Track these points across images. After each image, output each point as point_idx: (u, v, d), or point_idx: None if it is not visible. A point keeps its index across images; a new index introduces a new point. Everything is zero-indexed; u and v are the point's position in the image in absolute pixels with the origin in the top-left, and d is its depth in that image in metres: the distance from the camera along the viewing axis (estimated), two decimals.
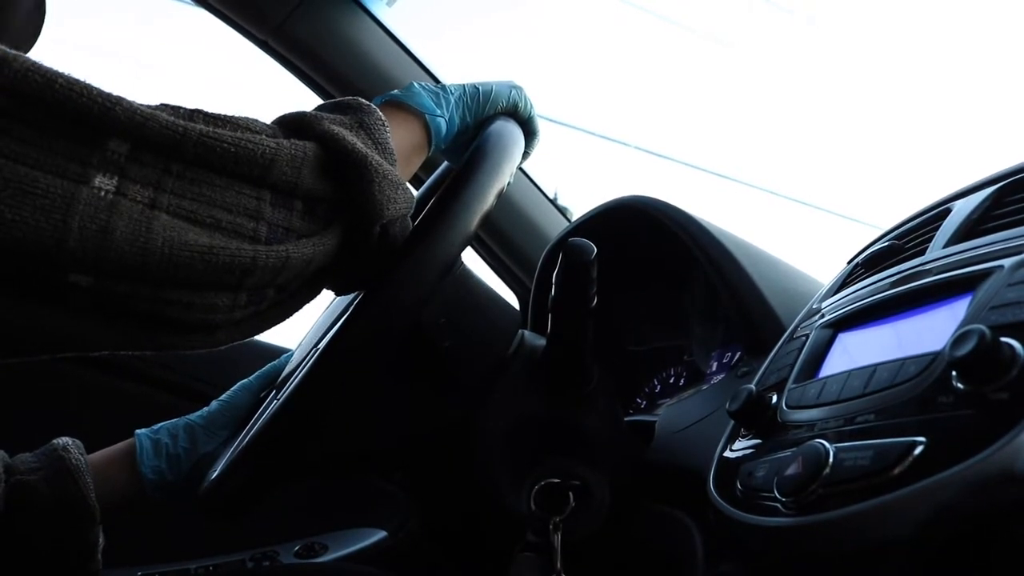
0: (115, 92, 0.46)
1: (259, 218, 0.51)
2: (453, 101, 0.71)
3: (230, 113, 0.53)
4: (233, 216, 0.50)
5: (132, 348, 0.51)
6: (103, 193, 0.45)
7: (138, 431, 0.82)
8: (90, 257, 0.44)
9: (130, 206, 0.45)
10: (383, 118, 0.61)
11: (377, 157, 0.57)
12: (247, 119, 0.53)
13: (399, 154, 0.62)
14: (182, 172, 0.48)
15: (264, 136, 0.52)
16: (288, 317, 0.59)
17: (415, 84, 0.70)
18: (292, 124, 0.56)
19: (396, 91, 0.70)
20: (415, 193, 0.64)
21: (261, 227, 0.51)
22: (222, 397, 0.86)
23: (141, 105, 0.47)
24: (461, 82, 0.74)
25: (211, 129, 0.49)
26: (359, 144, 0.56)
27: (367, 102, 0.62)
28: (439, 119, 0.69)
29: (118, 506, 0.77)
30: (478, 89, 0.73)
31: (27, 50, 0.62)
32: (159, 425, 0.83)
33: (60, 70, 0.44)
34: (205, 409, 0.85)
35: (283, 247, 0.51)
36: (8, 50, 0.43)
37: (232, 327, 0.54)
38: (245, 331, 0.55)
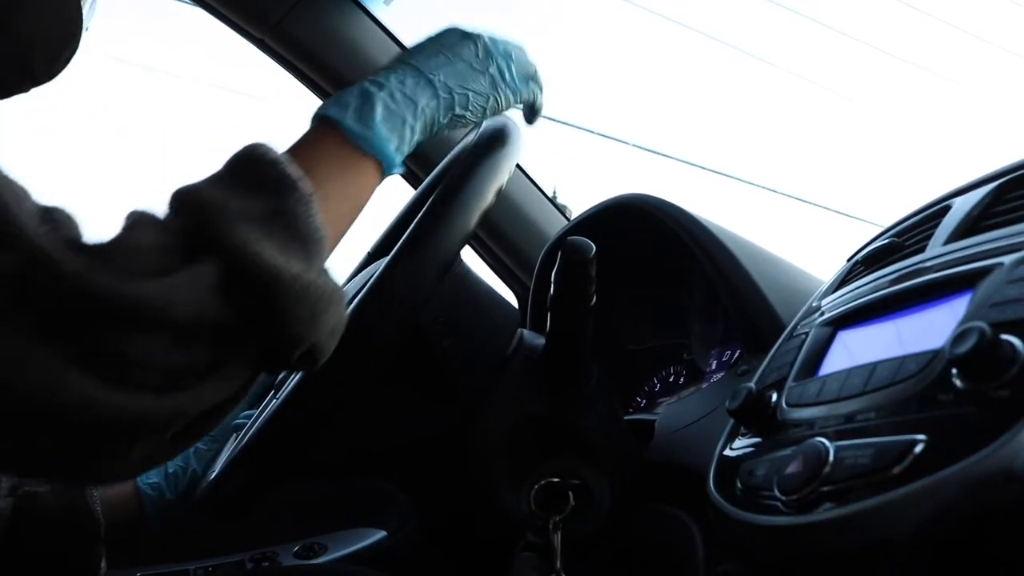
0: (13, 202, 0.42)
1: (149, 366, 0.44)
2: (420, 126, 0.60)
3: (120, 231, 0.46)
4: (123, 365, 0.43)
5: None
6: None
7: None
8: None
9: (11, 346, 0.41)
10: (308, 195, 0.50)
11: (294, 269, 0.47)
12: (138, 239, 0.46)
13: (346, 206, 0.55)
14: (68, 314, 0.43)
15: (156, 279, 0.44)
16: (204, 436, 0.51)
17: (377, 112, 0.57)
18: (192, 228, 0.47)
19: (350, 120, 0.56)
20: (415, 191, 0.62)
21: (152, 376, 0.44)
22: None
23: (38, 230, 0.42)
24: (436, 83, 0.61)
25: (98, 264, 0.43)
26: (268, 258, 0.46)
27: (290, 173, 0.50)
28: (398, 157, 0.59)
29: (119, 525, 0.77)
30: (454, 100, 0.61)
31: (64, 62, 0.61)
32: None
33: None
34: None
35: (180, 395, 0.45)
36: None
37: (133, 465, 0.48)
38: (148, 466, 0.50)
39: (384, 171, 0.58)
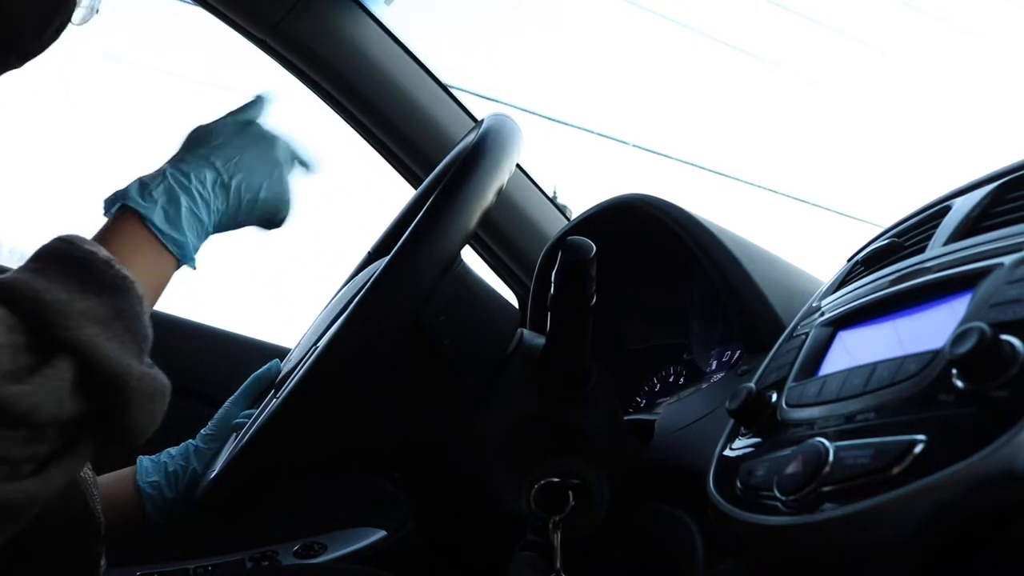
0: None
1: (3, 461, 0.46)
2: (212, 225, 0.65)
3: None
4: None
5: None
6: None
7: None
8: None
9: None
10: (140, 295, 0.54)
11: (135, 367, 0.50)
12: None
13: (148, 293, 0.56)
14: None
15: (20, 381, 0.46)
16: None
17: (183, 213, 0.61)
18: (38, 327, 0.48)
19: (159, 218, 0.60)
20: (415, 191, 0.62)
21: (1, 468, 0.46)
22: (215, 415, 0.87)
23: None
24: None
25: None
26: (115, 358, 0.49)
27: (127, 275, 0.53)
28: (194, 255, 0.64)
29: (119, 524, 0.78)
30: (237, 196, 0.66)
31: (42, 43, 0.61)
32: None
33: None
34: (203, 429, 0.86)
35: (27, 483, 0.47)
36: None
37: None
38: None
39: (179, 265, 0.63)
